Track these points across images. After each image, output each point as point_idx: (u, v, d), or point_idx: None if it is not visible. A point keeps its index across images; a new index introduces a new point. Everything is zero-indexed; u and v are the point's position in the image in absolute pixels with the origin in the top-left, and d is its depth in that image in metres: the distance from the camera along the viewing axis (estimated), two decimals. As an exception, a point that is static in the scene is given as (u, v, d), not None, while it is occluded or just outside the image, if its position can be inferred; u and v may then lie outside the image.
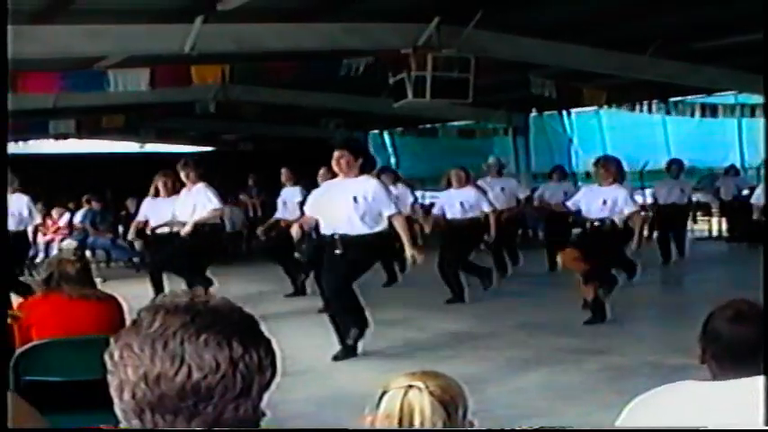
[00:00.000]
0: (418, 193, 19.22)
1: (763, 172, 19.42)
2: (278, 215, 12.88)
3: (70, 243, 16.93)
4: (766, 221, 13.02)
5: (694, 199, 17.48)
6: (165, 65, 12.91)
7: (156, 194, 11.41)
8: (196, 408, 1.50)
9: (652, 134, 21.25)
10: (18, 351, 4.57)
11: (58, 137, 21.80)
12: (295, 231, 9.02)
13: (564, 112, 23.39)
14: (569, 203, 10.79)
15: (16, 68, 11.40)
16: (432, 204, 13.51)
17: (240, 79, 14.18)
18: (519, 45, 13.08)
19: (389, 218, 8.25)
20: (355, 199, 8.16)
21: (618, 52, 14.00)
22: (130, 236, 12.23)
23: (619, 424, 2.78)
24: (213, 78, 13.39)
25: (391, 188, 13.24)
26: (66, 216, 18.00)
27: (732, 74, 15.75)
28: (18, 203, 10.92)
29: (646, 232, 11.86)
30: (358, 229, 8.17)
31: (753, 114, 17.72)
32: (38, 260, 15.72)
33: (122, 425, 1.56)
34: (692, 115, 17.80)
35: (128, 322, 1.63)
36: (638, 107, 18.06)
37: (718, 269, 15.05)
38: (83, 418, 4.12)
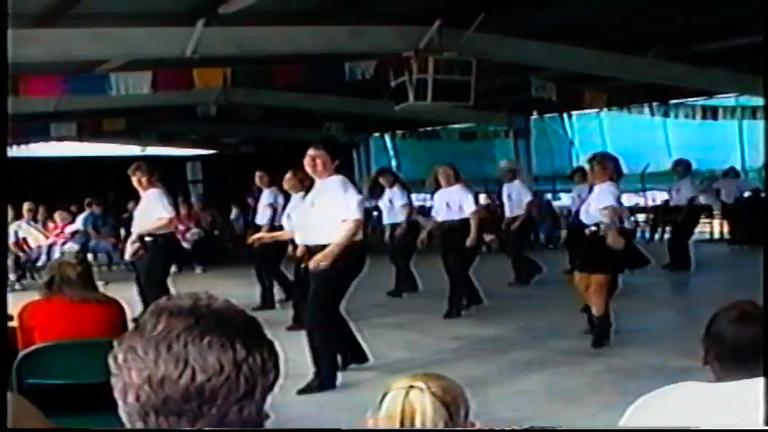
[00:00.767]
0: (420, 196, 19.23)
1: (764, 174, 19.49)
2: (258, 220, 12.60)
3: (72, 246, 16.92)
4: (765, 222, 13.00)
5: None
6: (166, 68, 12.93)
7: None
8: (200, 410, 1.51)
9: (653, 136, 21.25)
10: (21, 354, 4.58)
11: (59, 140, 21.83)
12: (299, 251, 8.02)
13: (565, 115, 23.40)
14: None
15: (18, 72, 11.42)
16: (430, 208, 12.99)
17: (242, 82, 14.19)
18: (520, 48, 13.08)
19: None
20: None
21: (619, 54, 14.01)
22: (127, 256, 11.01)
23: (621, 424, 2.78)
24: (215, 81, 13.40)
25: (387, 191, 13.30)
26: (72, 227, 18.00)
27: (733, 76, 15.76)
28: None
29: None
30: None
31: (753, 116, 17.73)
32: (40, 263, 15.73)
33: (127, 427, 1.57)
34: (693, 117, 17.81)
35: (130, 325, 1.63)
36: (638, 109, 18.06)
37: (720, 271, 15.03)
38: (86, 420, 4.13)
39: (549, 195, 22.77)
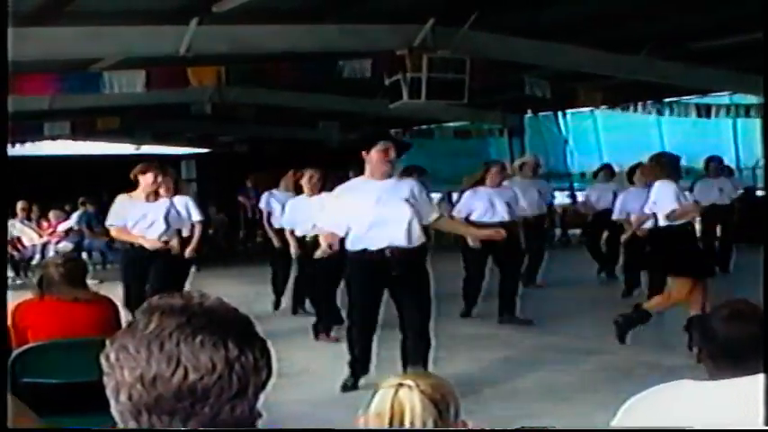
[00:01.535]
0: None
1: (759, 172, 19.52)
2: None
3: (66, 245, 16.92)
4: (766, 222, 12.98)
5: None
6: (160, 66, 12.90)
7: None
8: (193, 408, 1.51)
9: (647, 135, 21.27)
10: (14, 353, 4.58)
11: (53, 139, 21.78)
12: (323, 249, 7.84)
13: (559, 113, 23.41)
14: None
15: (11, 70, 11.37)
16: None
17: (236, 81, 14.16)
18: (514, 46, 13.06)
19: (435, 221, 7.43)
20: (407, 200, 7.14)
21: (613, 53, 14.00)
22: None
23: (615, 423, 2.79)
24: (209, 80, 13.38)
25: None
26: (66, 224, 17.99)
27: (727, 74, 15.75)
28: None
29: None
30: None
31: (747, 114, 17.73)
32: (34, 262, 15.73)
33: (119, 426, 1.57)
34: (687, 116, 17.80)
35: (123, 324, 1.63)
36: (632, 108, 18.06)
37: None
38: (79, 420, 4.13)
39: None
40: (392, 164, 7.18)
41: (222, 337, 1.53)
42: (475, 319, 10.54)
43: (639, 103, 17.85)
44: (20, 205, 16.85)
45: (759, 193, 18.43)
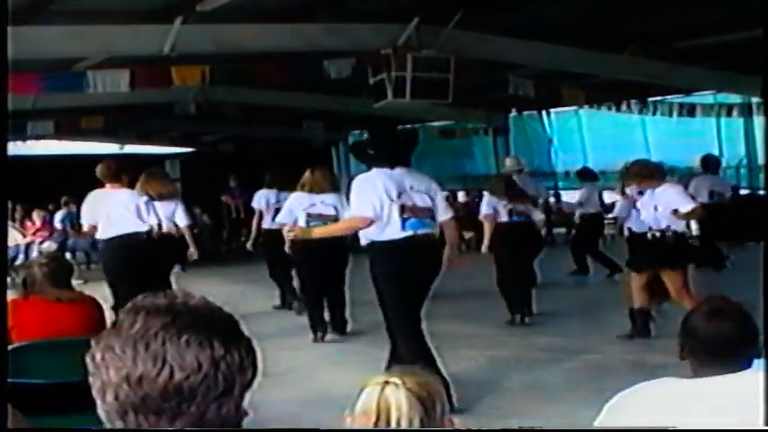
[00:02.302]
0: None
1: (743, 171, 19.60)
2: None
3: (50, 245, 16.86)
4: (766, 222, 13.02)
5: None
6: (144, 66, 12.87)
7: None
8: (179, 408, 1.51)
9: (631, 134, 21.30)
10: (-2, 353, 4.56)
11: (36, 138, 21.69)
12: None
13: (544, 112, 23.44)
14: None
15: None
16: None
17: (220, 80, 14.15)
18: (498, 45, 13.08)
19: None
20: None
21: (597, 52, 14.04)
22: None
23: (599, 421, 2.80)
24: (193, 79, 13.36)
25: None
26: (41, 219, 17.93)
27: (711, 74, 15.82)
28: None
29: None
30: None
31: (729, 114, 17.81)
32: (18, 263, 15.65)
33: (106, 426, 1.56)
34: (671, 115, 17.85)
35: (108, 324, 1.63)
36: (617, 107, 18.11)
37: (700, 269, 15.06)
38: (65, 420, 4.11)
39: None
40: None
41: (208, 337, 1.53)
42: (459, 319, 10.54)
43: (624, 103, 17.90)
44: (3, 205, 16.78)
45: (742, 192, 18.51)
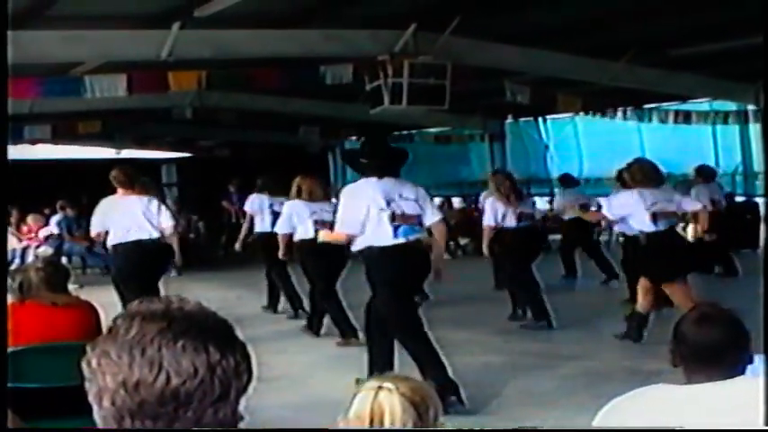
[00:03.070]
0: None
1: (738, 179, 19.62)
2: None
3: (46, 250, 16.85)
4: (767, 224, 13.04)
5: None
6: (141, 71, 12.87)
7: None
8: (176, 413, 1.52)
9: (627, 141, 21.30)
10: (-6, 358, 4.56)
11: (33, 143, 21.67)
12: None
13: (540, 119, 23.48)
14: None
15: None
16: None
17: (217, 85, 14.15)
18: (495, 52, 13.10)
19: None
20: None
21: (593, 59, 14.06)
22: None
23: (594, 426, 2.81)
24: (190, 84, 13.36)
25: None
26: (46, 230, 17.89)
27: (707, 81, 15.83)
28: None
29: None
30: None
31: (725, 121, 17.85)
32: (13, 267, 15.63)
33: (102, 430, 1.57)
34: (667, 122, 17.89)
35: (104, 329, 1.64)
36: (613, 114, 18.14)
37: (694, 275, 15.06)
38: (61, 424, 4.12)
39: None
40: None
41: (203, 342, 1.54)
42: (454, 324, 10.54)
43: (620, 110, 17.94)
44: (-1, 209, 16.75)
45: (738, 199, 18.55)
